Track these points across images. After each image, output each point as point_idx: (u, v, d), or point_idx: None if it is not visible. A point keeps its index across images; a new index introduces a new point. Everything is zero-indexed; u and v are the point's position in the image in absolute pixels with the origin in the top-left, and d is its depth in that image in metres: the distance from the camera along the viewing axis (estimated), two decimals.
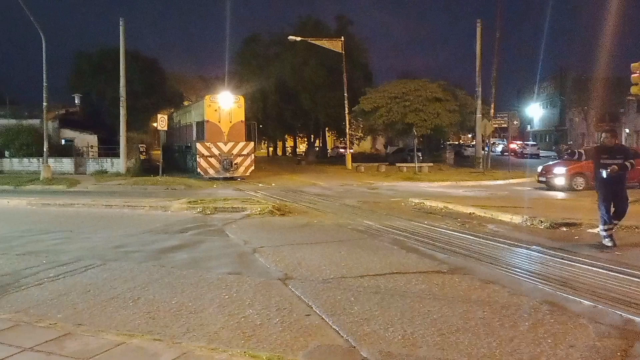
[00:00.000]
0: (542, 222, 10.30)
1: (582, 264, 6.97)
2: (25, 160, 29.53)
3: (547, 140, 68.55)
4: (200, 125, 24.04)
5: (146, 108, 36.02)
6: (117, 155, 27.61)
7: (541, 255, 7.68)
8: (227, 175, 23.18)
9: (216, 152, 23.21)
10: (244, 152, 23.78)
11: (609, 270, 6.58)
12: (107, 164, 28.58)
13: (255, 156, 25.08)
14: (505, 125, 32.35)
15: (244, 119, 24.28)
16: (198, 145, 23.27)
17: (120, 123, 26.28)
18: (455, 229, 10.07)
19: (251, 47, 42.93)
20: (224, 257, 7.77)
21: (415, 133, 30.70)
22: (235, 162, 23.41)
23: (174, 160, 30.64)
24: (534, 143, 59.89)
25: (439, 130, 33.08)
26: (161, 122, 25.26)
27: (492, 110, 31.49)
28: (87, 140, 32.96)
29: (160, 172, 23.95)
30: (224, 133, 23.58)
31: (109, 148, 30.22)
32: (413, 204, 14.26)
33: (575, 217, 10.64)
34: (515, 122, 31.52)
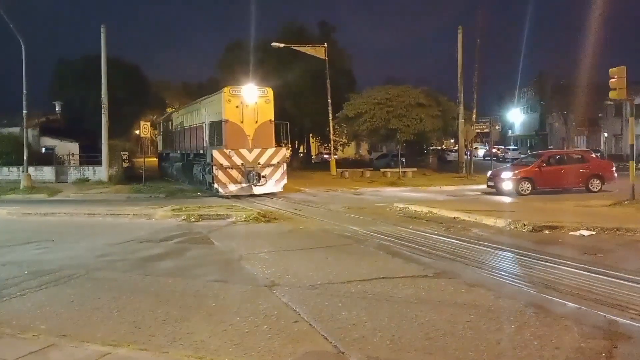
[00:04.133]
0: (525, 225, 10.41)
1: (566, 266, 7.07)
2: (5, 169, 29.01)
3: (528, 144, 69.41)
4: (217, 126, 19.00)
5: (129, 115, 35.67)
6: (99, 163, 27.26)
7: (525, 258, 7.76)
8: (254, 191, 18.28)
9: (238, 161, 18.16)
10: (274, 161, 18.80)
11: (592, 272, 6.68)
12: (89, 172, 28.19)
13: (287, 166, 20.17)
14: (487, 130, 32.73)
15: (272, 118, 19.28)
16: (214, 153, 18.03)
17: (102, 130, 25.97)
18: (440, 233, 10.14)
19: (234, 54, 42.80)
20: (210, 265, 7.72)
21: (399, 138, 30.86)
22: (263, 174, 18.30)
23: (177, 171, 26.07)
24: (516, 147, 60.64)
25: (422, 136, 33.30)
26: (144, 129, 24.97)
27: (474, 116, 31.83)
28: (68, 148, 32.51)
29: (143, 181, 23.56)
30: (248, 137, 18.58)
31: (90, 156, 29.82)
32: (398, 208, 14.32)
33: (557, 220, 10.78)
34: (496, 127, 31.91)
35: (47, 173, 28.42)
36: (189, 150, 23.12)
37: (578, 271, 6.80)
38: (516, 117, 75.55)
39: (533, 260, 7.57)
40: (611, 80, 14.58)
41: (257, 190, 18.28)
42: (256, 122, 18.71)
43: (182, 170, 24.73)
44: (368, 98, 32.92)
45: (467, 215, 12.13)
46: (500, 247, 8.62)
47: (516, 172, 19.01)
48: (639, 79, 36.97)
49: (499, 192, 18.60)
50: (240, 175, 18.23)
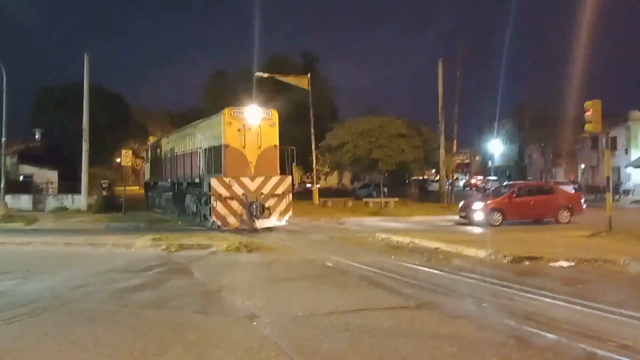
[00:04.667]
0: (505, 256, 10.48)
1: (546, 298, 7.11)
2: None
3: (508, 175, 70.46)
4: (215, 152, 17.02)
5: (110, 143, 35.47)
6: (78, 192, 26.86)
7: (506, 289, 7.79)
8: (256, 225, 16.42)
9: (239, 191, 16.29)
10: (278, 191, 16.98)
11: (572, 304, 6.73)
12: (68, 200, 27.74)
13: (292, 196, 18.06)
14: (468, 161, 33.23)
15: (277, 143, 17.52)
16: (213, 182, 16.14)
17: (83, 158, 25.73)
18: (422, 264, 10.15)
19: (218, 83, 43.12)
20: (189, 296, 7.60)
21: (381, 168, 31.11)
22: (267, 205, 16.57)
23: (166, 201, 23.87)
24: (495, 178, 61.47)
25: (404, 166, 33.63)
26: (125, 157, 24.77)
27: (454, 146, 32.33)
28: (47, 176, 32.02)
29: (123, 210, 23.25)
30: (251, 163, 16.78)
31: (69, 184, 29.40)
32: (380, 239, 14.33)
33: (537, 251, 10.88)
34: (477, 158, 32.41)
35: (24, 201, 27.88)
36: (180, 179, 21.09)
37: (558, 302, 6.84)
38: (496, 148, 76.76)
39: (514, 291, 7.60)
40: (586, 113, 14.97)
41: (260, 224, 16.42)
42: (259, 147, 16.95)
43: (172, 201, 22.63)
44: (350, 128, 33.26)
45: (449, 246, 12.17)
46: (482, 278, 8.64)
47: (487, 203, 19.27)
48: (615, 111, 38.13)
49: (471, 223, 18.79)
50: (241, 207, 16.32)
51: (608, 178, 15.31)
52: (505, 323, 5.95)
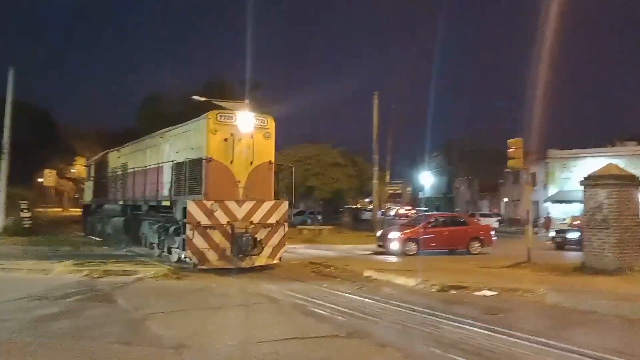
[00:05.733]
0: (434, 285, 10.78)
1: (470, 326, 7.34)
2: None
3: (437, 206, 73.06)
4: (192, 167, 13.23)
5: (32, 162, 33.56)
6: None
7: (433, 317, 7.98)
8: (243, 264, 12.71)
9: (223, 219, 12.62)
10: (272, 220, 13.30)
11: (494, 332, 6.98)
12: None
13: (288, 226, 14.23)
14: (400, 191, 34.24)
15: (273, 159, 13.96)
16: (190, 207, 12.39)
17: (1, 177, 24.13)
18: (353, 292, 10.22)
19: (153, 105, 42.17)
20: (111, 325, 7.21)
21: (316, 196, 31.38)
22: (259, 237, 12.97)
23: (114, 229, 19.40)
24: (426, 209, 63.49)
25: (339, 194, 34.12)
26: (48, 177, 23.46)
27: (388, 177, 33.26)
28: None
29: (43, 233, 21.78)
30: (239, 183, 13.10)
31: None
32: (313, 266, 14.33)
33: (463, 280, 11.26)
34: (408, 189, 33.43)
35: None
36: (137, 201, 16.88)
37: (481, 331, 7.08)
38: (427, 179, 79.55)
39: (440, 319, 7.79)
40: (509, 150, 15.88)
41: (248, 262, 12.79)
42: (251, 163, 13.27)
43: (122, 229, 18.32)
44: (287, 155, 33.40)
45: (380, 274, 12.37)
46: (410, 306, 8.81)
47: (403, 232, 19.76)
48: (536, 149, 40.62)
49: (388, 252, 19.18)
50: (224, 240, 12.60)
51: (528, 211, 16.22)
52: (431, 351, 6.08)
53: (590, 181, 13.10)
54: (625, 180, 12.88)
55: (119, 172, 19.65)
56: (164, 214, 14.57)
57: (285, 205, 13.78)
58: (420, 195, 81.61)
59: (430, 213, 30.85)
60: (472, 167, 58.60)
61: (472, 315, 8.08)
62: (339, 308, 8.54)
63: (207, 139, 13.01)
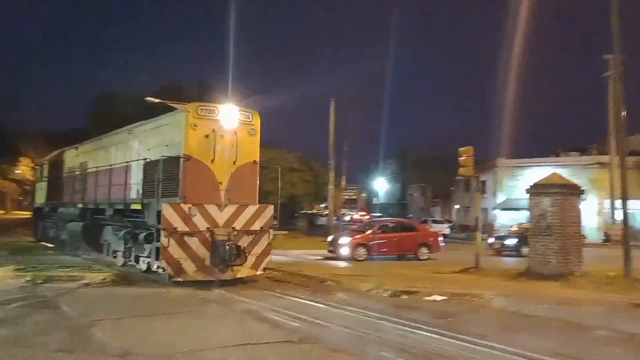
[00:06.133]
0: (386, 290, 10.93)
1: (420, 330, 7.48)
2: None
3: (391, 212, 74.25)
4: (168, 166, 11.84)
5: None
6: None
7: (385, 322, 8.08)
8: (224, 276, 11.54)
9: (202, 225, 11.39)
10: (256, 226, 12.17)
11: (443, 336, 7.14)
12: None
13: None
14: (355, 197, 34.59)
15: (258, 159, 12.80)
16: (165, 211, 11.09)
17: None
18: (306, 298, 10.22)
19: (104, 106, 41.00)
20: (55, 333, 6.94)
21: (272, 201, 31.25)
22: (243, 245, 11.76)
23: (71, 235, 17.35)
24: (380, 214, 64.36)
25: (294, 199, 34.12)
26: None
27: (343, 183, 33.54)
28: None
29: None
30: (221, 185, 11.90)
31: None
32: (266, 272, 14.24)
33: (414, 285, 11.48)
34: (363, 195, 33.81)
35: None
36: (100, 204, 15.25)
37: (432, 335, 7.23)
38: (382, 186, 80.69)
39: (392, 324, 7.91)
40: (460, 158, 16.33)
41: (230, 273, 11.61)
42: (234, 162, 12.07)
43: (81, 235, 16.38)
44: None
45: (334, 279, 12.44)
46: (363, 311, 8.90)
47: (353, 238, 19.98)
48: (486, 157, 41.93)
49: (338, 257, 19.37)
50: (203, 249, 11.34)
51: (477, 218, 16.71)
52: (382, 356, 6.16)
53: (536, 190, 13.66)
54: (567, 189, 13.49)
55: (77, 172, 18.05)
56: (132, 219, 13.09)
57: (270, 209, 12.62)
58: (375, 201, 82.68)
59: (380, 219, 31.24)
60: (425, 174, 59.89)
61: (422, 320, 8.23)
62: (292, 313, 8.53)
63: (185, 134, 11.71)
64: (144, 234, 12.19)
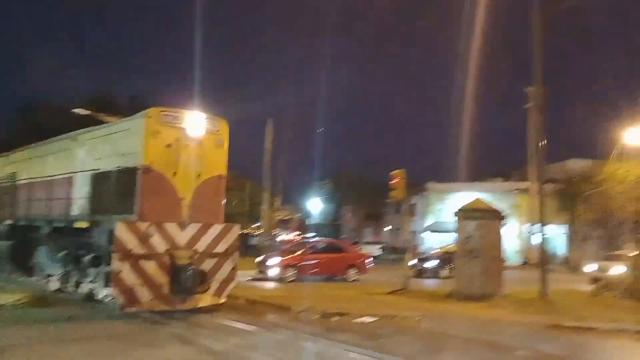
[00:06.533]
0: (317, 312, 10.93)
1: (352, 352, 7.53)
2: None
3: (325, 232, 74.69)
4: (122, 178, 10.61)
5: None
6: None
7: (316, 345, 8.08)
8: (184, 305, 10.27)
9: (161, 246, 10.10)
10: (220, 248, 10.90)
11: (375, 358, 7.24)
12: None
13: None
14: (289, 217, 34.59)
15: (224, 172, 11.58)
16: (119, 230, 9.71)
17: None
18: (237, 320, 10.02)
19: (29, 116, 38.87)
20: None
21: None
22: (205, 269, 10.58)
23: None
24: (314, 234, 64.56)
25: (228, 219, 33.64)
26: None
27: (278, 202, 33.46)
28: None
29: None
30: (183, 201, 10.68)
31: None
32: None
33: (345, 307, 11.55)
34: (298, 215, 33.86)
35: None
36: (33, 220, 13.58)
37: (363, 356, 7.30)
38: (316, 206, 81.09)
39: (323, 346, 7.92)
40: (392, 181, 16.74)
41: (191, 302, 10.34)
42: (198, 176, 10.90)
43: (7, 255, 14.81)
44: None
45: (265, 301, 12.30)
46: (293, 333, 8.84)
47: (282, 259, 19.88)
48: (417, 181, 43.31)
49: (267, 278, 19.16)
50: (162, 274, 9.98)
51: (408, 240, 17.15)
52: None
53: (461, 214, 14.25)
54: (490, 213, 14.19)
55: (5, 184, 16.01)
56: (74, 238, 11.55)
57: (236, 229, 11.37)
58: (309, 221, 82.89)
59: (310, 240, 31.32)
60: (358, 196, 60.87)
61: (354, 342, 8.29)
62: (220, 337, 8.34)
63: (145, 142, 10.30)
64: (90, 256, 10.68)
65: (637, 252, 18.77)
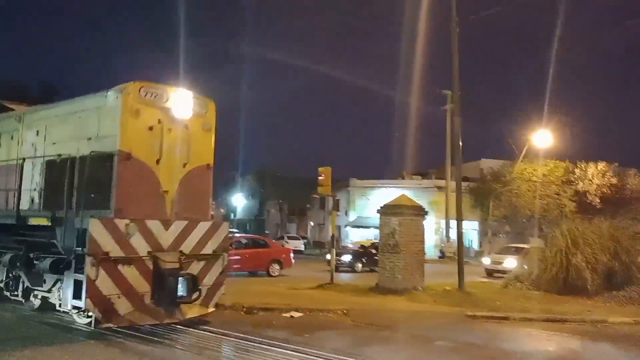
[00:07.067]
0: (243, 307, 10.82)
1: (279, 348, 7.52)
2: None
3: (248, 228, 74.12)
4: (97, 166, 8.62)
5: None
6: None
7: (242, 341, 7.98)
8: (171, 318, 8.69)
9: (142, 248, 8.38)
10: (208, 249, 9.28)
11: (300, 353, 7.28)
12: None
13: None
14: (212, 213, 33.99)
15: (212, 162, 9.87)
16: (93, 227, 7.90)
17: None
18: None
19: None
20: None
21: None
22: (194, 274, 8.93)
23: None
24: (237, 230, 63.89)
25: None
26: None
27: None
28: None
29: None
30: (166, 194, 8.97)
31: None
32: None
33: (271, 302, 11.51)
34: (221, 210, 33.28)
35: None
36: None
37: (290, 352, 7.32)
38: (239, 201, 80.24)
39: (249, 343, 7.84)
40: (319, 177, 16.90)
41: (179, 314, 8.78)
42: (184, 165, 9.23)
43: None
44: None
45: None
46: (220, 330, 8.68)
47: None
48: (341, 177, 43.98)
49: None
50: (143, 281, 8.33)
51: (333, 236, 17.40)
52: None
53: (385, 210, 14.65)
54: (414, 210, 14.70)
55: None
56: (26, 238, 9.70)
57: (225, 227, 9.81)
58: (233, 217, 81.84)
59: (234, 235, 30.91)
60: (282, 192, 60.94)
61: (281, 337, 8.30)
62: (144, 336, 8.02)
63: (122, 123, 8.50)
64: (50, 260, 8.78)
65: (529, 246, 20.36)
